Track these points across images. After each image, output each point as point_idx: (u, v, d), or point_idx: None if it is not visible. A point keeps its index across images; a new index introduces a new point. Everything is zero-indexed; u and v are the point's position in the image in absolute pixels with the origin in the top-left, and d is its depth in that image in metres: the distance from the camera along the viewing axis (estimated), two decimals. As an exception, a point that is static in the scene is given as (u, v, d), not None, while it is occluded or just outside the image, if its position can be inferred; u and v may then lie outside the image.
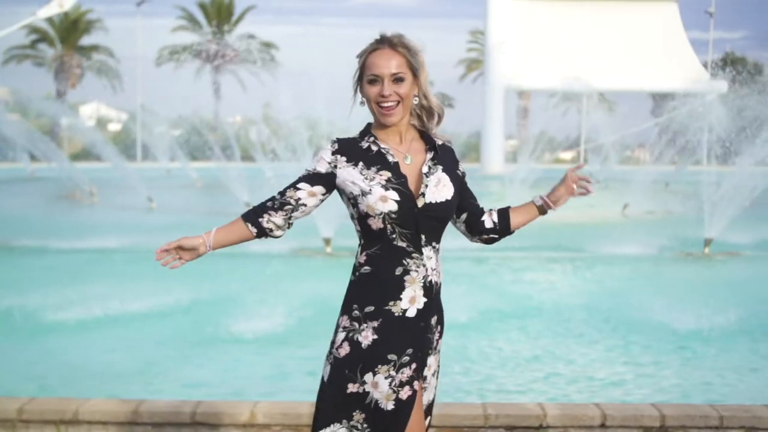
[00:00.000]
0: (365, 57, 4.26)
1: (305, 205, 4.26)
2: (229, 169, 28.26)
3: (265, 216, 4.26)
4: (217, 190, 30.17)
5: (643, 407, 6.64)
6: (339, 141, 4.30)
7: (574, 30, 43.10)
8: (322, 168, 4.24)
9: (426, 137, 4.38)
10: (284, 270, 15.00)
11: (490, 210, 4.57)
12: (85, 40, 71.26)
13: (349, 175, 4.21)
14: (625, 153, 44.71)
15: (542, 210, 4.59)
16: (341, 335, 4.20)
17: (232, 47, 70.02)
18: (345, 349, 4.18)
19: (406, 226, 4.17)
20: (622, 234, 18.95)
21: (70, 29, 69.27)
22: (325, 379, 4.24)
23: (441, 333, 4.37)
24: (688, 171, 36.65)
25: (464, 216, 4.50)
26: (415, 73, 4.27)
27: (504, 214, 4.56)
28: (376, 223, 4.16)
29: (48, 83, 69.20)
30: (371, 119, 4.36)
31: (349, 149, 4.27)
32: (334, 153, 4.25)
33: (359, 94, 4.33)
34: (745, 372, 9.28)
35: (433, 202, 4.22)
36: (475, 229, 4.56)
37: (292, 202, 4.24)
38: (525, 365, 9.29)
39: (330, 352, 4.23)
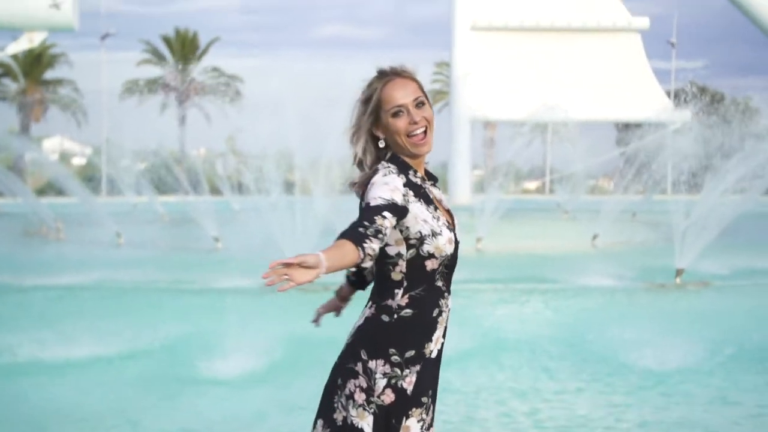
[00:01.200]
0: (378, 93, 4.08)
1: (385, 236, 3.84)
2: (197, 203, 28.09)
3: (367, 241, 3.73)
4: (185, 224, 29.99)
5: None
6: (400, 171, 4.08)
7: (539, 61, 43.35)
8: (399, 199, 3.93)
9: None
10: (253, 306, 14.82)
11: None
12: (49, 74, 70.94)
13: (420, 212, 4.02)
14: (590, 182, 44.90)
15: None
16: (382, 382, 4.00)
17: (197, 80, 69.97)
18: (389, 397, 4.01)
19: (450, 267, 4.11)
20: (594, 265, 18.93)
21: (34, 63, 68.93)
22: (368, 431, 4.00)
23: None
24: (654, 200, 36.83)
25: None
26: (426, 95, 4.15)
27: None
28: (432, 264, 4.04)
29: (11, 117, 68.87)
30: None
31: (411, 183, 4.07)
32: (404, 185, 4.01)
33: (362, 133, 4.12)
34: (726, 405, 9.21)
35: (459, 241, 4.18)
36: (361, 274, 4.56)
37: (383, 230, 3.80)
38: (505, 402, 9.19)
39: (368, 401, 4.00)
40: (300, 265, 3.63)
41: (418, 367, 4.02)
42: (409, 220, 3.97)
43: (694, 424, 8.52)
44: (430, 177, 4.22)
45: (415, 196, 4.01)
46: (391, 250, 4.05)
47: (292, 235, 17.14)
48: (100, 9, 79.09)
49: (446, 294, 4.10)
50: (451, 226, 4.08)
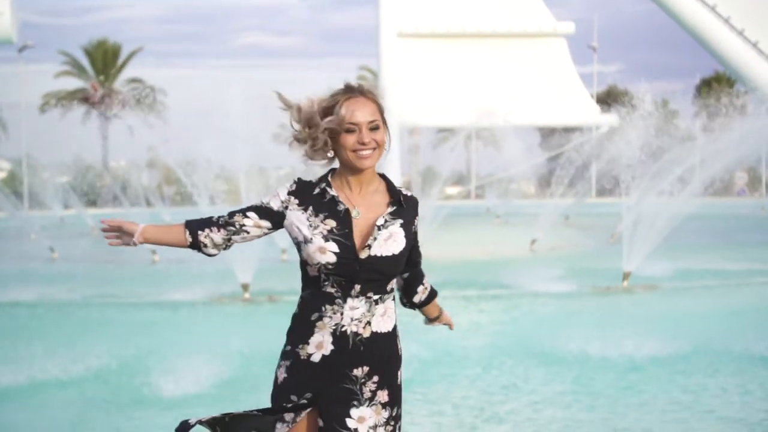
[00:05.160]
0: (339, 106, 4.24)
1: (247, 233, 4.33)
2: (127, 215, 27.57)
3: (206, 230, 4.31)
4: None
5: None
6: (298, 182, 4.36)
7: (466, 66, 43.41)
8: (275, 205, 4.31)
9: (392, 190, 4.37)
10: (202, 319, 14.53)
11: (425, 287, 4.70)
12: (-35, 88, 69.60)
13: (297, 219, 4.27)
14: (512, 186, 45.11)
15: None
16: (277, 363, 4.41)
17: (118, 91, 69.06)
18: (274, 379, 4.38)
19: (341, 274, 4.19)
20: (538, 270, 18.88)
21: (-50, 76, 67.63)
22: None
23: (380, 385, 4.27)
24: (586, 203, 36.99)
25: (405, 275, 4.58)
26: (384, 119, 4.31)
27: (429, 299, 4.74)
28: (312, 271, 4.24)
29: (-73, 133, 67.37)
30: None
31: (304, 192, 4.32)
32: (289, 193, 4.31)
33: (318, 137, 4.29)
34: (687, 406, 9.17)
35: (379, 255, 4.22)
36: (406, 294, 4.67)
37: (237, 225, 4.31)
38: (477, 414, 9.00)
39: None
40: (121, 228, 4.34)
41: (287, 363, 4.28)
42: (287, 226, 4.31)
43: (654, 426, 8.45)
44: (394, 194, 4.37)
45: (300, 204, 4.29)
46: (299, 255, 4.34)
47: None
48: (18, 21, 77.71)
49: (338, 301, 4.20)
50: (336, 237, 4.20)
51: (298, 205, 4.28)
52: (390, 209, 4.31)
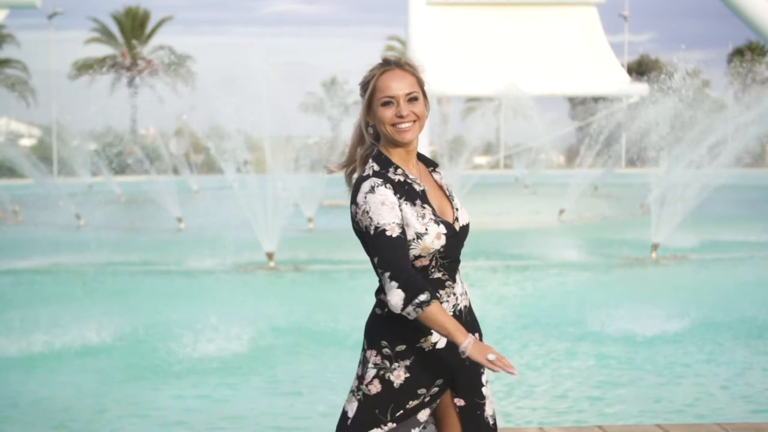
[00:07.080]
0: (375, 81, 4.05)
1: None
2: (155, 182, 27.57)
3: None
4: (144, 204, 29.53)
5: (649, 428, 6.34)
6: (380, 175, 3.98)
7: (495, 35, 43.13)
8: (400, 215, 3.91)
9: (421, 157, 4.19)
10: (227, 288, 14.48)
11: None
12: (-4, 55, 69.75)
13: (407, 216, 3.93)
14: (540, 156, 44.93)
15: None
16: (371, 371, 4.01)
17: (147, 59, 69.10)
18: (376, 387, 4.00)
19: (448, 257, 3.97)
20: (566, 240, 18.77)
21: (-21, 44, 67.80)
22: (350, 415, 4.03)
23: None
24: (615, 174, 36.75)
25: None
26: (424, 91, 4.10)
27: None
28: (422, 262, 3.95)
29: (-43, 99, 67.62)
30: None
31: (394, 184, 3.98)
32: (394, 193, 3.94)
33: (364, 120, 4.10)
34: (712, 378, 9.07)
35: (464, 224, 4.09)
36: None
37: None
38: (505, 387, 8.91)
39: (358, 388, 4.03)
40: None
41: (408, 362, 3.98)
42: None
43: (703, 404, 8.34)
44: (429, 163, 4.21)
45: (401, 197, 3.95)
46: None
47: (262, 214, 16.77)
48: (47, -13, 77.80)
49: (449, 282, 3.99)
50: (441, 216, 3.99)
51: (400, 198, 3.95)
52: (438, 176, 4.18)
